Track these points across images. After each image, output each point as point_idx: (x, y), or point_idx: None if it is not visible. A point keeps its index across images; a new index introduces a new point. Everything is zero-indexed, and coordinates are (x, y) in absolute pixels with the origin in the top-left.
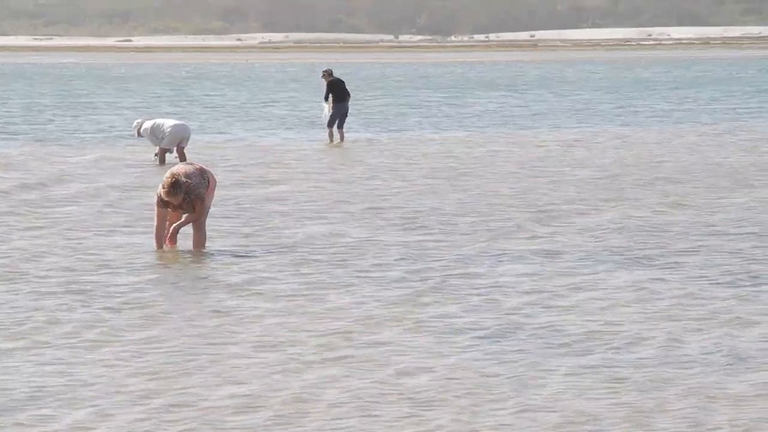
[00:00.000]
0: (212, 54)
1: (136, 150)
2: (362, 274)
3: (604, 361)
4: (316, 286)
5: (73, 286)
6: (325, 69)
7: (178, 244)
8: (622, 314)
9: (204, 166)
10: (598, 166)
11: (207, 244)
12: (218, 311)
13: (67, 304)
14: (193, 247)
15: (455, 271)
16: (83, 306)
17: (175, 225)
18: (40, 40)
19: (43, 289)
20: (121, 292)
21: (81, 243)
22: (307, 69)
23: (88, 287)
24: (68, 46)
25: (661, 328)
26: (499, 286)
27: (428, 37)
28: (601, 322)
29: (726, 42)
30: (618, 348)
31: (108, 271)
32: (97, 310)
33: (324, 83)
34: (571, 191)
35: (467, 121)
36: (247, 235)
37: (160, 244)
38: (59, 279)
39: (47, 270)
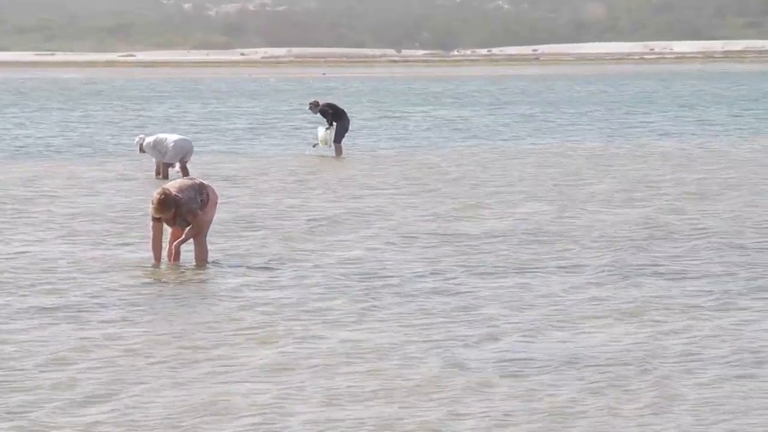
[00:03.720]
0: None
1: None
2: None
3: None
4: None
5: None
6: (311, 101)
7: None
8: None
9: (204, 182)
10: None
11: (210, 259)
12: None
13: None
14: (195, 261)
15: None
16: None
17: (176, 242)
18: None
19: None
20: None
21: (79, 255)
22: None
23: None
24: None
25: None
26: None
27: (431, 52)
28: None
29: (728, 55)
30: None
31: (105, 282)
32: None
33: (317, 113)
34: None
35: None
36: (255, 250)
37: (157, 258)
38: (53, 288)
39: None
